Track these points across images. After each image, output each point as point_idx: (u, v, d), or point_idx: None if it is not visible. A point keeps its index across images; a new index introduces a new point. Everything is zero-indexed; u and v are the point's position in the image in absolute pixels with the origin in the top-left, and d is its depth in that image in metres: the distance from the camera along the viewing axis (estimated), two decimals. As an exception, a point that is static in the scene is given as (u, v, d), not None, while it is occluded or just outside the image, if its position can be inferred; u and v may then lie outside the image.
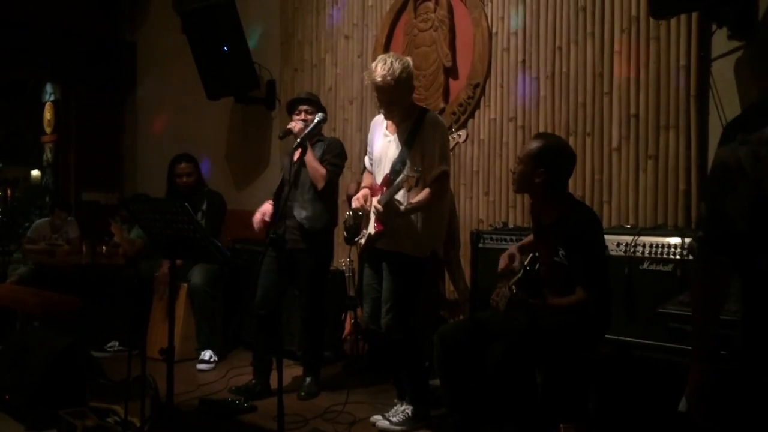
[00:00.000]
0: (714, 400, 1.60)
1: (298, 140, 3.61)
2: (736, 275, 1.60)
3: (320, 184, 3.87)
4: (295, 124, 3.82)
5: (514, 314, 2.75)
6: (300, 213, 3.89)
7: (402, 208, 3.16)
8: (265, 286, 3.88)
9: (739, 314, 1.64)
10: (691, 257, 2.89)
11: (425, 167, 3.19)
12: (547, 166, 2.72)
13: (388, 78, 3.18)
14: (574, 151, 2.96)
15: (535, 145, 2.78)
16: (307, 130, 3.60)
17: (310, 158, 3.81)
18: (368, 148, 3.54)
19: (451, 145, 4.23)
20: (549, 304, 2.69)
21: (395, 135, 3.33)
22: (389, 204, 3.11)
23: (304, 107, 3.93)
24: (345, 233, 3.54)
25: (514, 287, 2.73)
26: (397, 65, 3.20)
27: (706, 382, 1.60)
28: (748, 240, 1.50)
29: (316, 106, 3.96)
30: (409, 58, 3.34)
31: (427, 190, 3.20)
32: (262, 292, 3.89)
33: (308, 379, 3.99)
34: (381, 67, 3.20)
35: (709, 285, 1.62)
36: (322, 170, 3.85)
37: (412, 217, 3.25)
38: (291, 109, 4.01)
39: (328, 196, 3.96)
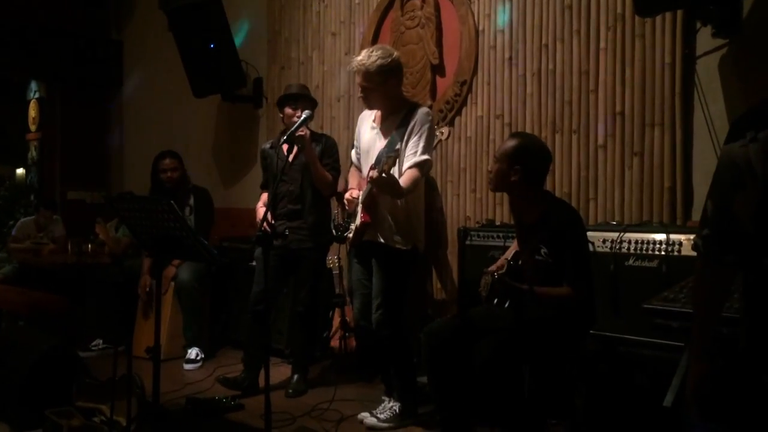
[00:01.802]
0: (713, 398, 1.60)
1: (285, 137, 3.53)
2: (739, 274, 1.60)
3: (327, 192, 3.92)
4: (304, 131, 3.75)
5: (501, 311, 2.77)
6: (308, 218, 3.92)
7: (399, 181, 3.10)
8: (261, 282, 3.87)
9: (738, 311, 1.63)
10: (676, 253, 2.91)
11: (407, 153, 3.20)
12: (523, 164, 2.74)
13: (362, 66, 3.22)
14: (550, 150, 2.97)
15: (511, 143, 2.81)
16: (293, 128, 3.56)
17: (318, 166, 3.81)
18: (355, 142, 3.54)
19: (434, 142, 4.21)
20: (536, 292, 2.70)
21: (382, 127, 3.34)
22: (388, 174, 3.01)
23: (301, 104, 3.89)
24: (334, 230, 3.54)
25: (496, 274, 2.75)
26: (375, 55, 3.22)
27: (705, 380, 1.60)
28: (755, 239, 1.49)
29: (310, 101, 3.97)
30: (396, 52, 3.34)
31: (414, 170, 3.18)
32: (259, 288, 3.89)
33: (296, 377, 3.98)
34: (362, 55, 3.25)
35: (713, 284, 1.60)
36: (329, 178, 3.87)
37: (395, 206, 3.24)
38: (283, 104, 3.99)
39: (324, 198, 3.99)
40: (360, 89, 3.32)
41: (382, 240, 3.27)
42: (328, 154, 3.94)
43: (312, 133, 3.89)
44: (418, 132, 3.21)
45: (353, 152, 3.55)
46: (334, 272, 4.54)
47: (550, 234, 2.70)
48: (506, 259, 2.96)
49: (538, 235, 2.74)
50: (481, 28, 4.26)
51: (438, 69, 4.50)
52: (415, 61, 4.56)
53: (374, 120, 3.40)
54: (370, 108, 3.41)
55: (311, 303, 3.96)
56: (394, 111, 3.31)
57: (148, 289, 4.75)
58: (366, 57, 3.22)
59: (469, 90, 4.32)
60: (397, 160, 3.19)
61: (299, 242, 3.91)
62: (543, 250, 2.71)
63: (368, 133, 3.39)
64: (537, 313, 2.71)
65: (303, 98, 3.98)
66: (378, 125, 3.36)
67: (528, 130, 3.97)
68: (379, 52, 3.23)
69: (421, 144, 3.20)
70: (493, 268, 2.92)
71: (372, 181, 3.10)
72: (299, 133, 3.67)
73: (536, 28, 3.97)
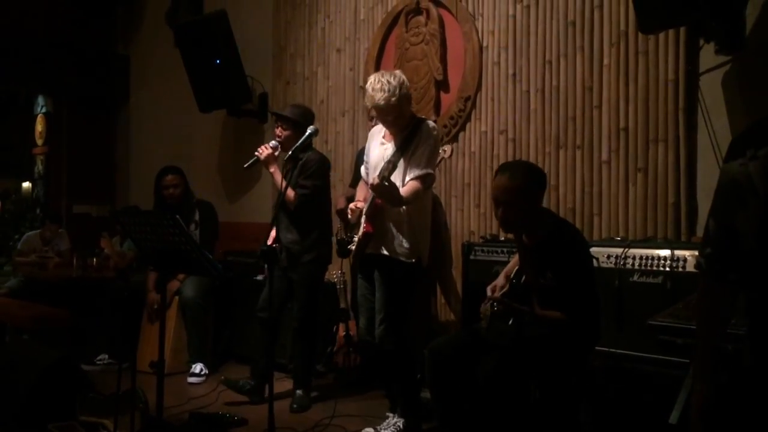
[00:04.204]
0: (718, 417, 1.58)
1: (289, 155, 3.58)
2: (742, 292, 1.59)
3: (290, 207, 3.88)
4: (262, 150, 3.82)
5: (505, 327, 2.75)
6: (286, 236, 3.91)
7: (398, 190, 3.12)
8: (267, 292, 3.88)
9: (743, 328, 1.63)
10: (680, 270, 2.91)
11: (410, 166, 3.22)
12: (534, 194, 2.72)
13: (392, 99, 3.20)
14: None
15: (514, 180, 2.68)
16: (296, 145, 3.61)
17: (278, 181, 3.75)
18: (365, 158, 3.55)
19: (437, 160, 4.18)
20: (535, 314, 2.69)
21: (392, 143, 3.36)
22: (388, 181, 3.06)
23: (281, 123, 3.94)
24: (337, 246, 3.54)
25: (495, 304, 2.70)
26: (394, 83, 3.21)
27: (710, 401, 1.59)
28: (757, 257, 1.49)
29: (292, 123, 3.92)
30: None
31: (415, 182, 3.20)
32: (264, 295, 3.94)
33: (299, 392, 3.98)
34: (380, 89, 3.20)
35: (716, 303, 1.59)
36: (290, 196, 3.83)
37: (399, 218, 3.25)
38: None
39: (313, 214, 3.94)
40: (388, 124, 3.32)
41: (385, 252, 3.28)
42: (301, 172, 3.89)
43: (296, 149, 3.74)
44: (422, 146, 3.24)
45: (363, 167, 3.57)
46: (338, 287, 4.54)
47: (552, 259, 2.67)
48: (508, 277, 2.94)
49: (542, 259, 2.71)
50: (485, 44, 4.28)
51: (442, 85, 4.52)
52: (420, 77, 4.59)
53: (384, 136, 3.42)
54: (396, 132, 3.39)
55: (306, 318, 3.95)
56: (404, 127, 3.33)
57: (156, 306, 4.74)
58: (388, 90, 3.19)
59: (473, 106, 4.34)
60: (402, 171, 3.22)
61: (290, 260, 3.92)
62: (548, 274, 2.68)
63: (377, 149, 3.42)
64: (537, 331, 2.69)
65: (286, 120, 3.95)
66: (387, 141, 3.38)
67: (532, 146, 3.99)
68: (395, 82, 3.21)
69: (424, 158, 3.23)
70: (496, 294, 2.87)
71: (372, 187, 3.13)
72: (259, 152, 3.81)
73: (540, 45, 3.99)
